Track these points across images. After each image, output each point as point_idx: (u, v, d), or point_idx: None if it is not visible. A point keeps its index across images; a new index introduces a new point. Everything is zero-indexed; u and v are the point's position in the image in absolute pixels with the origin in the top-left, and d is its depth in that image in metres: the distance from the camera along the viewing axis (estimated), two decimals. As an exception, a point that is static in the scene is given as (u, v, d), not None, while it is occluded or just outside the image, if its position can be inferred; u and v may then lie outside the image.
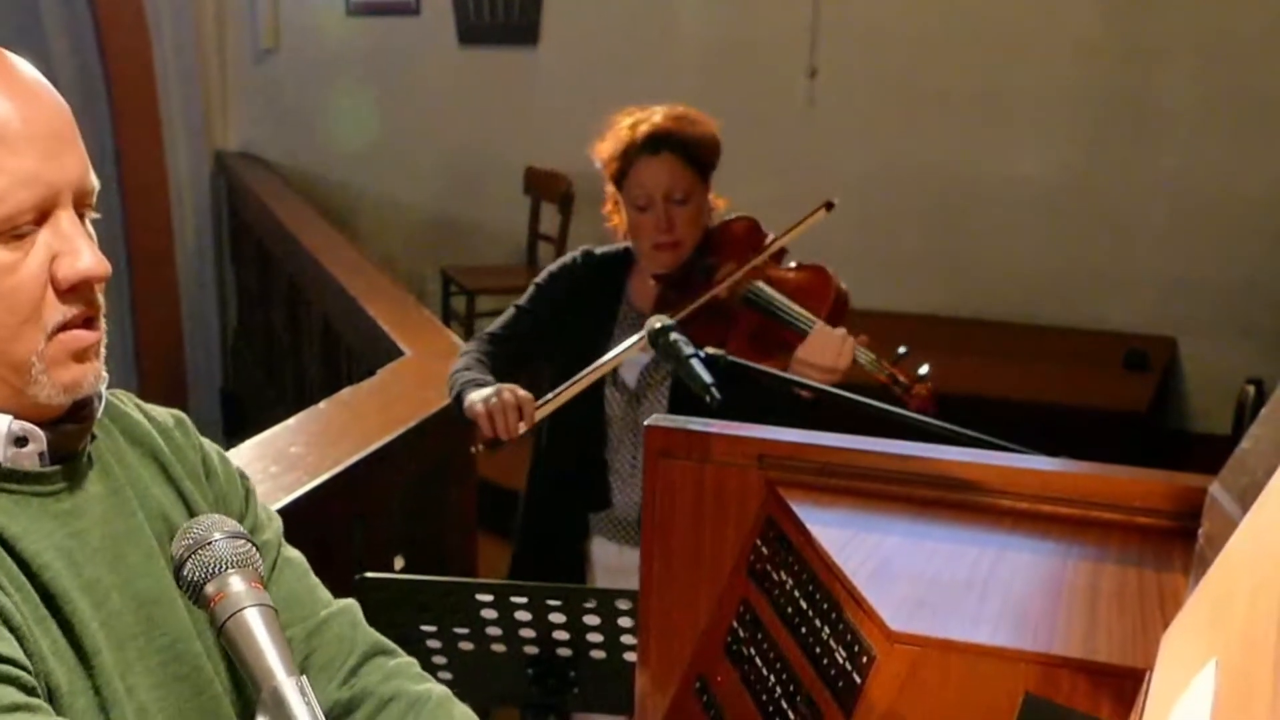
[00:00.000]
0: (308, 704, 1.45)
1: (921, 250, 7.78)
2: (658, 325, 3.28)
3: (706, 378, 3.16)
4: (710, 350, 3.26)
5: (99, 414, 1.74)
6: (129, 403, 1.90)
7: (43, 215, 1.59)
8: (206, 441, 1.99)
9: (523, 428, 3.54)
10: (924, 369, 3.63)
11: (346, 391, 5.32)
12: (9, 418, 1.62)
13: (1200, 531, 1.74)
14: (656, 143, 3.69)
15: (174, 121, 10.09)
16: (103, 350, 1.70)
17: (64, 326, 1.63)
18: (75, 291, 1.62)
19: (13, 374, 1.62)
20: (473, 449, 3.66)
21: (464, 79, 9.23)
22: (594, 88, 7.97)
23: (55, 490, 1.67)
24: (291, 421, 4.78)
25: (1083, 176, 7.47)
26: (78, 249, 1.61)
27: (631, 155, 3.70)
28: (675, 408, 3.74)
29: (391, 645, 2.09)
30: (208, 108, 10.25)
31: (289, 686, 1.46)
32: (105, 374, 1.71)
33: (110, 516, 1.73)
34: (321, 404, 5.09)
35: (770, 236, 3.83)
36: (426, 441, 4.77)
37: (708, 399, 3.16)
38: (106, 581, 1.68)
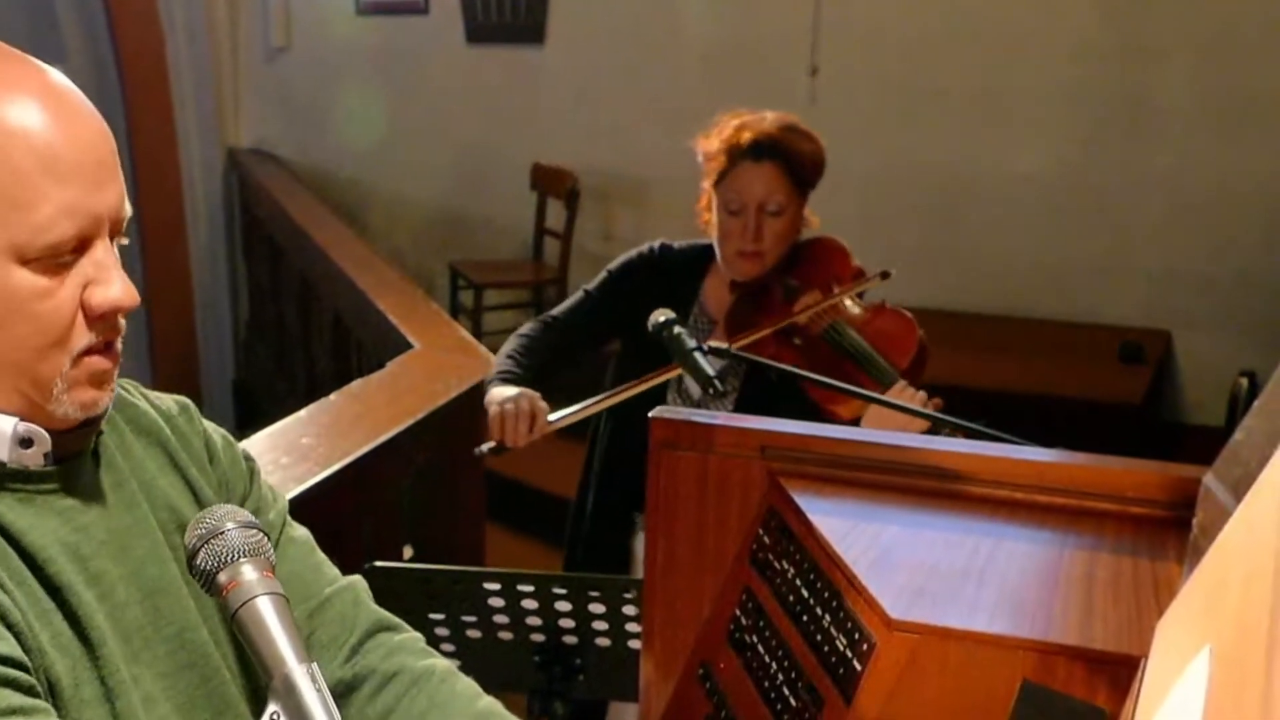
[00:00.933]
0: (319, 691, 1.45)
1: (921, 245, 7.77)
2: (661, 319, 3.27)
3: (709, 370, 3.16)
4: (714, 343, 3.26)
5: (104, 417, 1.74)
6: (135, 392, 1.90)
7: (81, 245, 1.59)
8: (210, 425, 1.99)
9: (530, 438, 3.50)
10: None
11: (356, 384, 5.31)
12: (15, 420, 1.62)
13: (1194, 521, 1.74)
14: (761, 150, 3.57)
15: (187, 119, 10.10)
16: (116, 372, 1.71)
17: (88, 351, 1.63)
18: (103, 318, 1.63)
19: (34, 390, 1.62)
20: (476, 451, 3.63)
21: (471, 77, 9.23)
22: (599, 86, 7.99)
23: (60, 487, 1.67)
24: (302, 413, 4.78)
25: (1079, 173, 7.47)
26: (111, 279, 1.61)
27: (735, 157, 3.58)
28: None
29: (396, 621, 2.08)
30: (220, 105, 10.26)
31: (300, 674, 1.46)
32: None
33: (115, 510, 1.73)
34: (332, 396, 5.09)
35: (858, 268, 3.76)
36: (435, 433, 4.76)
37: (710, 392, 3.16)
38: (113, 573, 1.68)
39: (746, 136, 3.58)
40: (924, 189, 7.79)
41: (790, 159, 3.58)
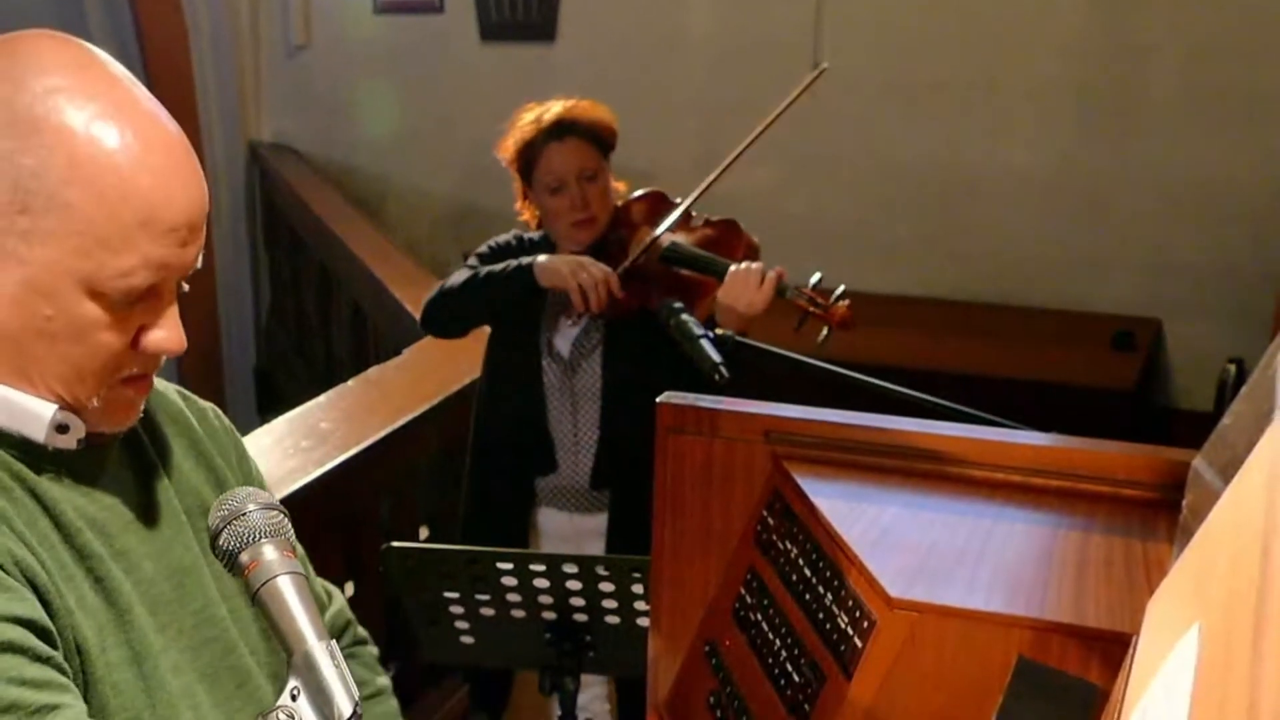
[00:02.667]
0: (337, 667, 1.46)
1: (919, 235, 7.76)
2: (667, 307, 3.29)
3: (715, 356, 3.16)
4: (719, 331, 3.27)
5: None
6: (170, 389, 1.92)
7: (152, 292, 1.61)
8: (239, 436, 2.02)
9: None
10: (840, 289, 3.65)
11: (374, 370, 5.32)
12: (54, 407, 1.63)
13: (1184, 503, 1.74)
14: (562, 129, 3.79)
15: (211, 114, 10.09)
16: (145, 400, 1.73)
17: (126, 379, 1.64)
18: (150, 357, 1.64)
19: (71, 399, 1.63)
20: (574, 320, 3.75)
21: (485, 73, 9.21)
22: (608, 81, 7.96)
23: (90, 469, 1.68)
24: (322, 399, 4.79)
25: (1073, 166, 7.45)
26: (166, 326, 1.64)
27: (540, 143, 3.78)
28: (609, 374, 3.78)
29: (364, 635, 2.20)
30: (242, 101, 10.25)
31: (320, 650, 1.46)
32: None
33: (142, 492, 1.74)
34: (350, 382, 5.10)
35: (678, 200, 3.87)
36: (450, 417, 4.77)
37: (716, 377, 3.16)
38: (139, 551, 1.70)
39: (545, 121, 3.81)
40: (923, 181, 7.77)
41: (588, 129, 3.82)
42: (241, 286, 10.42)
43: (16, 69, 1.55)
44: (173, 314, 1.64)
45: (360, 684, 2.10)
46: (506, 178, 3.93)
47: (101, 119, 1.54)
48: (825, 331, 3.62)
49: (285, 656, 1.48)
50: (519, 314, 3.78)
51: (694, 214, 3.93)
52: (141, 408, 1.72)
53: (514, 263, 3.74)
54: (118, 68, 1.62)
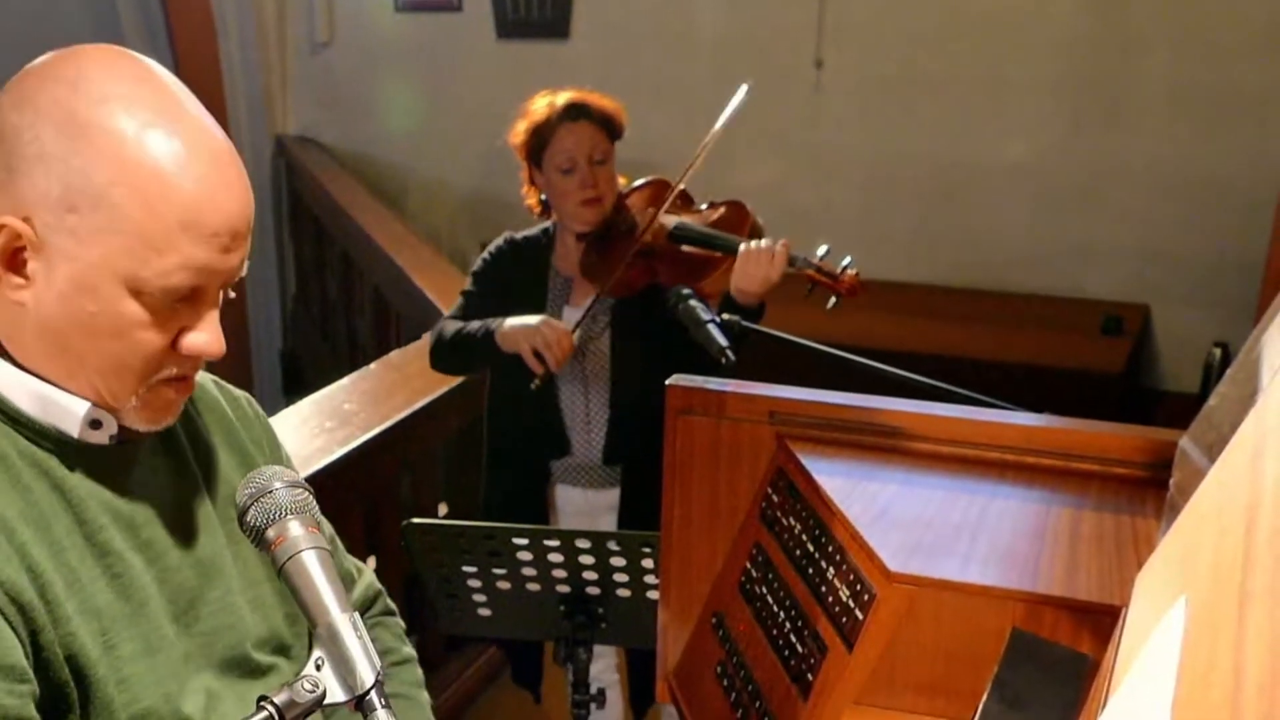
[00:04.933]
0: (359, 637, 1.47)
1: (918, 225, 7.75)
2: (676, 293, 3.30)
3: (722, 341, 3.18)
4: (726, 316, 3.27)
5: None
6: (205, 379, 1.92)
7: (194, 295, 1.61)
8: (269, 424, 2.02)
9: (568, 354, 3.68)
10: (847, 259, 3.66)
11: (395, 354, 5.32)
12: (88, 404, 1.63)
13: (1171, 481, 1.74)
14: (575, 112, 3.80)
15: (238, 109, 10.09)
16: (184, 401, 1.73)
17: (165, 380, 1.64)
18: (189, 359, 1.64)
19: (110, 397, 1.63)
20: (532, 386, 3.70)
21: (501, 70, 9.20)
22: (620, 77, 7.95)
23: (122, 463, 1.68)
24: (345, 381, 4.79)
25: (1065, 158, 7.45)
26: (207, 329, 1.64)
27: (553, 124, 3.78)
28: (617, 354, 3.78)
29: (392, 607, 2.20)
30: (269, 96, 10.24)
31: (343, 622, 1.47)
32: None
33: (171, 484, 1.74)
34: (372, 365, 5.10)
35: (678, 187, 3.88)
36: (467, 399, 4.77)
37: (723, 361, 3.16)
38: (164, 541, 1.70)
39: (558, 104, 3.82)
40: (921, 174, 7.76)
41: (598, 114, 3.82)
42: (268, 274, 10.42)
43: (77, 76, 1.55)
44: (213, 318, 1.64)
45: (388, 652, 2.12)
46: (520, 169, 3.93)
47: (150, 126, 1.54)
48: (834, 299, 3.63)
49: (310, 629, 1.49)
50: (524, 306, 3.78)
51: (703, 202, 3.94)
52: (180, 409, 1.72)
53: (481, 327, 3.75)
54: (173, 82, 1.62)
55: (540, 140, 3.78)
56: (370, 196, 8.61)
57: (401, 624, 2.24)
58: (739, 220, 3.82)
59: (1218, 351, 5.23)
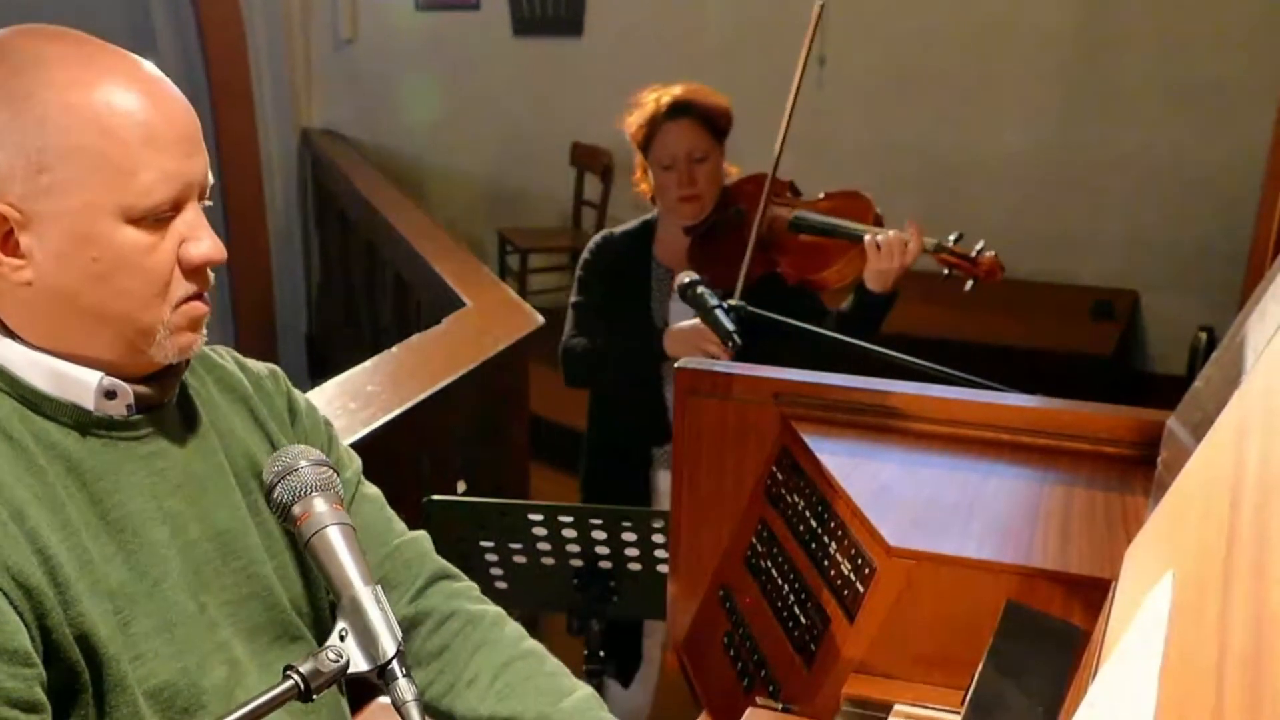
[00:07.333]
0: (381, 609, 1.47)
1: (916, 215, 7.67)
2: (686, 280, 3.29)
3: (729, 326, 3.17)
4: (733, 302, 3.27)
5: (185, 370, 1.75)
6: (228, 357, 1.92)
7: (177, 206, 1.61)
8: (296, 391, 2.00)
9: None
10: (980, 243, 3.63)
11: (416, 338, 5.31)
12: (100, 374, 1.62)
13: (1159, 460, 1.74)
14: (678, 110, 3.71)
15: (265, 103, 10.10)
16: (208, 318, 1.72)
17: (185, 299, 1.64)
18: (197, 271, 1.64)
19: (140, 337, 1.63)
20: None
21: (517, 66, 9.21)
22: (631, 72, 7.92)
23: (141, 435, 1.67)
24: (368, 364, 4.78)
25: (1057, 150, 7.45)
26: (202, 236, 1.63)
27: (658, 121, 3.71)
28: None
29: (456, 571, 2.10)
30: (295, 91, 10.25)
31: (365, 594, 1.47)
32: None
33: (192, 456, 1.73)
34: (394, 349, 5.09)
35: (782, 179, 3.83)
36: (486, 381, 4.77)
37: (729, 345, 3.16)
38: (186, 513, 1.69)
39: (664, 102, 3.73)
40: (919, 164, 7.76)
41: (703, 112, 3.73)
42: (294, 261, 10.44)
43: (9, 52, 1.56)
44: (205, 226, 1.65)
45: (477, 618, 2.04)
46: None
47: (84, 69, 1.57)
48: (971, 282, 3.60)
49: (335, 601, 1.49)
50: (630, 303, 3.75)
51: (819, 193, 3.90)
52: (204, 334, 1.71)
53: (617, 344, 3.72)
54: (100, 41, 1.64)
55: (647, 134, 3.73)
56: (392, 187, 8.61)
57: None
58: (861, 209, 3.75)
59: (1204, 336, 5.22)
